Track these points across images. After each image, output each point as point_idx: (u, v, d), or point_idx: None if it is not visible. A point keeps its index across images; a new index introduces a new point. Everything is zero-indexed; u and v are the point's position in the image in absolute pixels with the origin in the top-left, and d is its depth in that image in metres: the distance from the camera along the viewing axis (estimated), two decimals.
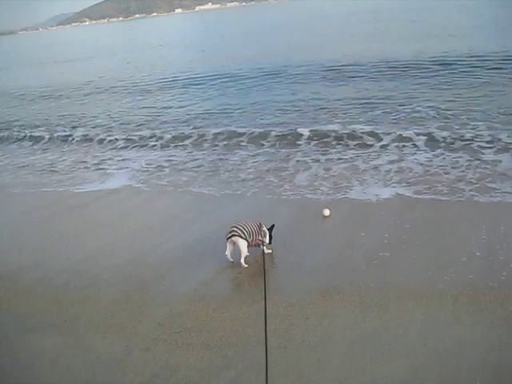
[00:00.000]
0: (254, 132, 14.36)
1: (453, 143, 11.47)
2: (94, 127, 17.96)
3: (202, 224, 8.69)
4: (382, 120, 14.04)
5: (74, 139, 16.63)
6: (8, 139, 17.96)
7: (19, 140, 17.63)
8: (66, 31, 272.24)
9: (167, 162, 12.83)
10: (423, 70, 19.83)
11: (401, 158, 11.05)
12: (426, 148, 11.45)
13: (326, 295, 6.04)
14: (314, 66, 23.52)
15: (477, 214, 8.04)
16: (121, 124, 17.96)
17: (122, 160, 13.62)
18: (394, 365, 4.78)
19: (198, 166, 12.18)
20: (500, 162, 10.20)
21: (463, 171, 9.92)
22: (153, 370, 5.08)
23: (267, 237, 7.14)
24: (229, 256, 6.97)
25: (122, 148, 14.96)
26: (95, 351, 5.51)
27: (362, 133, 12.93)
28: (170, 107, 19.99)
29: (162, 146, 14.48)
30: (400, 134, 12.39)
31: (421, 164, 10.54)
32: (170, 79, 26.38)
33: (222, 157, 12.76)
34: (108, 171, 12.66)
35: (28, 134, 17.92)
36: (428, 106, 14.71)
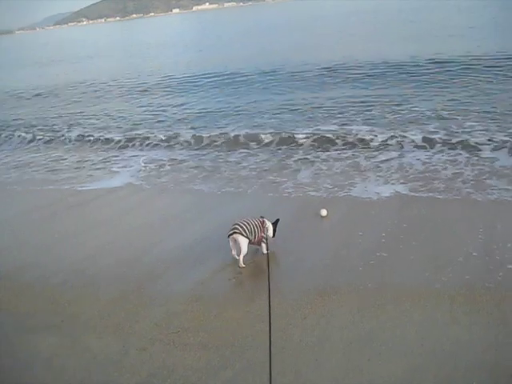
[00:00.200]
0: (253, 131, 14.43)
1: (450, 142, 11.53)
2: (92, 127, 17.94)
3: (202, 223, 8.68)
4: (379, 120, 14.10)
5: (72, 139, 16.63)
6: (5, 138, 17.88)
7: (10, 139, 17.59)
8: (63, 31, 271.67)
9: (167, 161, 12.85)
10: (420, 71, 19.87)
11: (400, 156, 11.14)
12: (424, 147, 11.54)
13: (324, 295, 6.04)
14: (311, 67, 23.51)
15: (474, 212, 8.07)
16: (119, 123, 17.96)
17: (123, 159, 13.63)
18: (392, 365, 4.78)
19: (198, 166, 12.22)
20: (497, 160, 10.32)
21: (461, 168, 10.03)
22: (149, 370, 5.06)
23: (271, 231, 7.17)
24: (235, 255, 6.99)
25: (121, 147, 14.93)
26: (92, 351, 5.49)
27: (360, 132, 13.00)
28: (168, 107, 20.00)
29: (162, 145, 14.48)
30: (398, 134, 12.47)
31: (419, 162, 10.63)
32: (169, 79, 26.35)
33: (222, 154, 12.83)
34: (108, 170, 12.68)
35: (25, 134, 17.84)
36: (425, 106, 14.77)
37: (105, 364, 5.26)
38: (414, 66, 20.80)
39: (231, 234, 6.82)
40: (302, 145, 12.71)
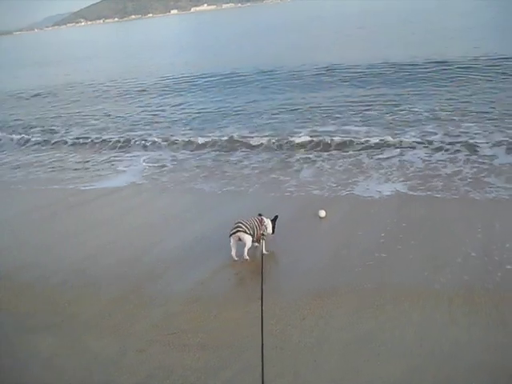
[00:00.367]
0: (253, 131, 14.48)
1: (448, 141, 11.60)
2: (92, 127, 17.95)
3: (202, 222, 8.70)
4: (377, 120, 14.16)
5: (72, 139, 16.53)
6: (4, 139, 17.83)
7: (12, 140, 17.52)
8: (62, 32, 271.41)
9: (168, 161, 12.91)
10: (418, 71, 19.91)
11: (400, 155, 11.21)
12: (422, 146, 11.58)
13: (323, 296, 6.03)
14: (309, 67, 23.57)
15: (472, 211, 8.13)
16: (119, 124, 18.00)
17: (123, 159, 13.66)
18: (390, 366, 4.78)
19: (199, 165, 12.30)
20: (495, 158, 10.43)
21: (460, 167, 10.17)
22: (148, 370, 5.05)
23: (270, 228, 7.24)
24: (234, 256, 7.02)
25: (122, 147, 14.92)
26: (91, 352, 5.48)
27: (359, 132, 13.09)
28: (167, 107, 20.03)
29: (162, 145, 14.44)
30: (397, 134, 12.57)
31: (419, 161, 10.74)
32: (167, 80, 26.34)
33: (223, 154, 12.90)
34: (110, 170, 12.72)
35: (23, 135, 17.78)
36: (423, 107, 14.81)
37: (104, 364, 5.25)
38: (413, 66, 20.86)
39: (235, 233, 6.87)
40: (301, 145, 12.71)
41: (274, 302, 5.91)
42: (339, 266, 6.76)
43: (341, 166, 10.96)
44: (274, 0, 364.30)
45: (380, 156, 11.32)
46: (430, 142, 11.67)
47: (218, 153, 13.09)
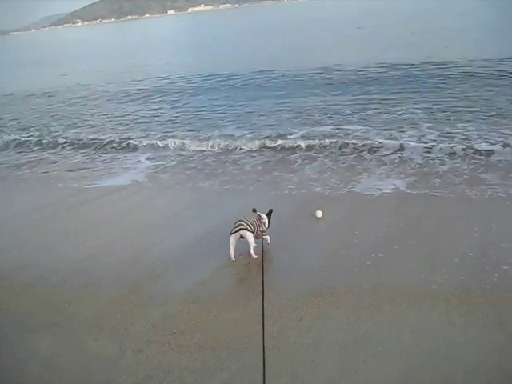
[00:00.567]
0: (251, 131, 14.55)
1: (445, 140, 11.72)
2: (91, 127, 17.96)
3: (203, 221, 8.72)
4: (374, 120, 14.21)
5: (71, 139, 16.46)
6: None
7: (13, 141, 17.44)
8: (58, 32, 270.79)
9: (168, 160, 12.98)
10: (414, 72, 19.95)
11: (397, 154, 11.33)
12: (420, 145, 11.66)
13: (320, 296, 6.04)
14: (306, 68, 23.57)
15: (469, 210, 8.18)
16: (118, 124, 17.95)
17: (124, 159, 13.67)
18: (387, 366, 4.79)
19: (200, 164, 12.36)
20: (492, 156, 10.59)
21: (456, 164, 10.32)
22: (146, 371, 5.06)
23: (267, 224, 7.31)
24: (232, 255, 7.06)
25: (122, 147, 14.88)
26: (90, 352, 5.48)
27: (357, 132, 13.17)
28: (166, 107, 20.03)
29: (162, 145, 14.41)
30: (393, 133, 12.71)
31: (417, 160, 10.85)
32: (164, 81, 26.32)
33: (223, 152, 12.97)
34: (111, 169, 12.75)
35: (21, 136, 17.71)
36: (419, 108, 14.89)
37: (103, 364, 5.25)
38: (410, 66, 20.93)
39: (237, 231, 6.92)
40: (300, 145, 12.73)
41: (271, 302, 5.91)
42: (337, 265, 6.77)
43: (342, 164, 11.12)
44: (271, 1, 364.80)
45: (378, 155, 11.42)
46: (427, 141, 11.77)
47: (218, 152, 13.13)
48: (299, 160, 11.80)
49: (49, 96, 26.31)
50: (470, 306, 5.58)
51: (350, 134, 13.06)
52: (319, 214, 8.31)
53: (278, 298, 6.07)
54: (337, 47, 32.58)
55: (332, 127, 13.92)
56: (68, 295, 6.71)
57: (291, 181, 10.39)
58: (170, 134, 15.34)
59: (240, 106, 18.30)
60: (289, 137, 13.41)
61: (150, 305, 6.29)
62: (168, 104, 20.55)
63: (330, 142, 12.43)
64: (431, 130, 12.57)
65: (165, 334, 5.61)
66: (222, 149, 13.28)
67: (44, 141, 16.56)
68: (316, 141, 12.63)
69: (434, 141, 11.73)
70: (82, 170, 12.99)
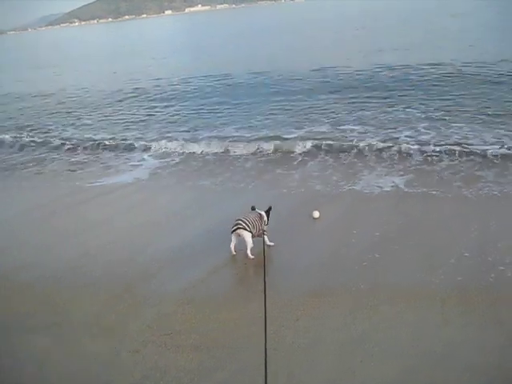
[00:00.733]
0: (250, 131, 14.55)
1: (442, 140, 11.78)
2: (90, 126, 17.91)
3: (202, 220, 8.74)
4: (372, 120, 14.24)
5: (69, 139, 16.38)
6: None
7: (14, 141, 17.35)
8: (54, 32, 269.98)
9: (168, 159, 12.99)
10: (411, 73, 19.98)
11: (394, 153, 11.38)
12: (417, 144, 11.68)
13: (317, 296, 6.04)
14: (304, 69, 23.58)
15: (466, 209, 8.24)
16: (117, 124, 17.89)
17: (125, 158, 13.67)
18: (384, 366, 4.78)
19: (198, 163, 12.39)
20: (487, 154, 10.62)
21: (453, 163, 10.43)
22: (142, 371, 5.04)
23: (266, 221, 7.35)
24: (232, 249, 7.15)
25: (120, 147, 14.81)
26: (88, 352, 5.47)
27: (354, 132, 13.20)
28: (164, 107, 19.98)
29: (162, 144, 14.35)
30: (391, 133, 12.74)
31: (414, 159, 10.92)
32: (162, 81, 26.25)
33: (223, 151, 12.96)
34: (109, 169, 12.74)
35: (18, 135, 17.60)
36: (415, 108, 14.94)
37: (101, 365, 5.24)
38: (407, 67, 20.95)
39: (235, 230, 6.99)
40: (298, 145, 12.71)
41: (268, 302, 5.88)
42: (334, 265, 6.77)
43: (338, 164, 11.18)
44: (268, 1, 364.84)
45: (376, 154, 11.46)
46: (424, 141, 11.83)
47: (216, 151, 13.10)
48: (298, 159, 11.85)
49: (45, 96, 26.19)
50: (467, 306, 5.59)
51: (348, 133, 13.07)
52: (316, 214, 8.29)
53: (274, 298, 6.04)
54: (334, 48, 32.59)
55: (329, 127, 13.94)
56: (68, 295, 6.69)
57: (290, 179, 10.44)
58: (168, 134, 15.32)
59: (238, 106, 18.27)
60: (287, 136, 13.40)
61: (146, 304, 6.27)
62: (165, 104, 20.49)
63: (328, 142, 12.43)
64: (428, 130, 12.61)
65: (161, 335, 5.59)
66: (220, 148, 13.25)
67: (39, 140, 16.49)
68: (315, 141, 12.61)
69: (431, 140, 11.78)
70: (81, 168, 12.98)
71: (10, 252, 8.23)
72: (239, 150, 12.93)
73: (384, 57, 24.03)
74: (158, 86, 25.01)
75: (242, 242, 7.06)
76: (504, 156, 10.46)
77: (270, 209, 7.49)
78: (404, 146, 11.54)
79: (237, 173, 11.31)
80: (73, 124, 18.75)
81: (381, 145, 11.84)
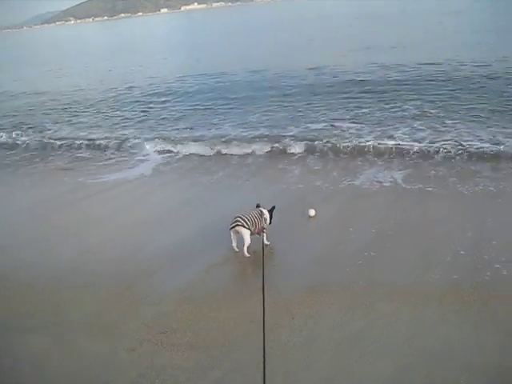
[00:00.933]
0: (248, 129, 14.56)
1: (438, 136, 11.84)
2: (88, 126, 17.75)
3: (200, 217, 8.74)
4: (368, 118, 14.28)
5: (68, 138, 16.24)
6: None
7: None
8: (50, 30, 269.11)
9: (167, 158, 12.96)
10: (408, 72, 19.99)
11: (391, 152, 11.37)
12: (412, 141, 11.73)
13: (313, 294, 6.03)
14: (300, 67, 23.58)
15: (463, 207, 8.24)
16: (116, 124, 17.74)
17: (122, 157, 13.61)
18: (381, 364, 4.78)
19: (200, 161, 12.41)
20: (484, 152, 10.65)
21: (450, 160, 10.49)
22: (138, 370, 5.03)
23: (268, 220, 7.34)
24: (235, 247, 7.16)
25: (122, 147, 14.66)
26: (86, 351, 5.46)
27: (351, 130, 13.22)
28: (162, 106, 19.88)
29: (162, 144, 14.29)
30: (386, 130, 12.78)
31: (411, 157, 10.93)
32: (157, 78, 26.23)
33: (223, 150, 12.94)
34: (109, 168, 12.67)
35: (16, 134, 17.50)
36: (411, 106, 14.95)
37: (99, 363, 5.24)
38: (403, 66, 20.96)
39: (234, 227, 6.97)
40: (296, 142, 12.70)
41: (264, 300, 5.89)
42: (331, 263, 6.76)
43: (334, 163, 11.17)
44: None
45: (373, 153, 11.45)
46: (420, 138, 11.84)
47: (214, 149, 13.06)
48: (295, 156, 11.87)
49: (40, 94, 26.09)
50: (463, 304, 5.60)
51: (345, 131, 13.07)
52: (312, 212, 8.26)
53: (270, 295, 6.01)
54: (331, 46, 32.58)
55: (326, 124, 13.95)
56: (68, 295, 6.66)
57: (288, 176, 10.47)
58: (166, 132, 15.27)
59: (235, 104, 18.25)
60: (284, 134, 13.39)
61: (143, 302, 6.27)
62: (163, 102, 20.44)
63: (325, 139, 12.43)
64: (423, 127, 12.66)
65: (156, 333, 5.58)
66: (218, 146, 13.21)
67: (36, 140, 16.42)
68: (312, 139, 12.60)
69: (426, 138, 11.79)
70: (80, 168, 12.91)
71: (10, 251, 8.19)
72: (237, 147, 12.89)
73: (380, 55, 24.04)
74: (154, 83, 24.90)
75: (240, 239, 7.05)
76: (498, 152, 10.48)
77: (273, 208, 7.49)
78: (401, 143, 11.56)
79: (235, 170, 11.33)
80: (69, 121, 18.65)
81: (378, 142, 11.85)
